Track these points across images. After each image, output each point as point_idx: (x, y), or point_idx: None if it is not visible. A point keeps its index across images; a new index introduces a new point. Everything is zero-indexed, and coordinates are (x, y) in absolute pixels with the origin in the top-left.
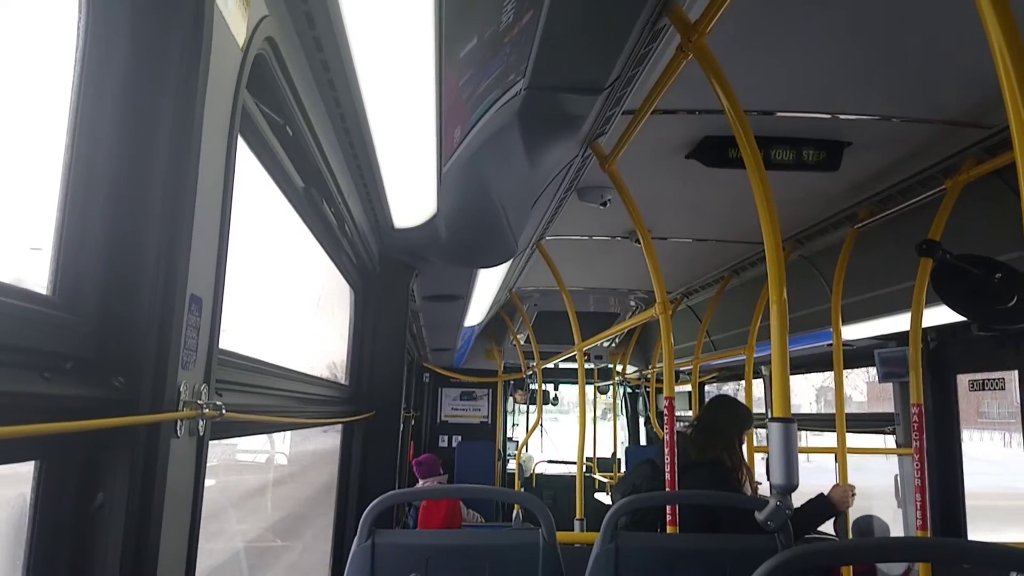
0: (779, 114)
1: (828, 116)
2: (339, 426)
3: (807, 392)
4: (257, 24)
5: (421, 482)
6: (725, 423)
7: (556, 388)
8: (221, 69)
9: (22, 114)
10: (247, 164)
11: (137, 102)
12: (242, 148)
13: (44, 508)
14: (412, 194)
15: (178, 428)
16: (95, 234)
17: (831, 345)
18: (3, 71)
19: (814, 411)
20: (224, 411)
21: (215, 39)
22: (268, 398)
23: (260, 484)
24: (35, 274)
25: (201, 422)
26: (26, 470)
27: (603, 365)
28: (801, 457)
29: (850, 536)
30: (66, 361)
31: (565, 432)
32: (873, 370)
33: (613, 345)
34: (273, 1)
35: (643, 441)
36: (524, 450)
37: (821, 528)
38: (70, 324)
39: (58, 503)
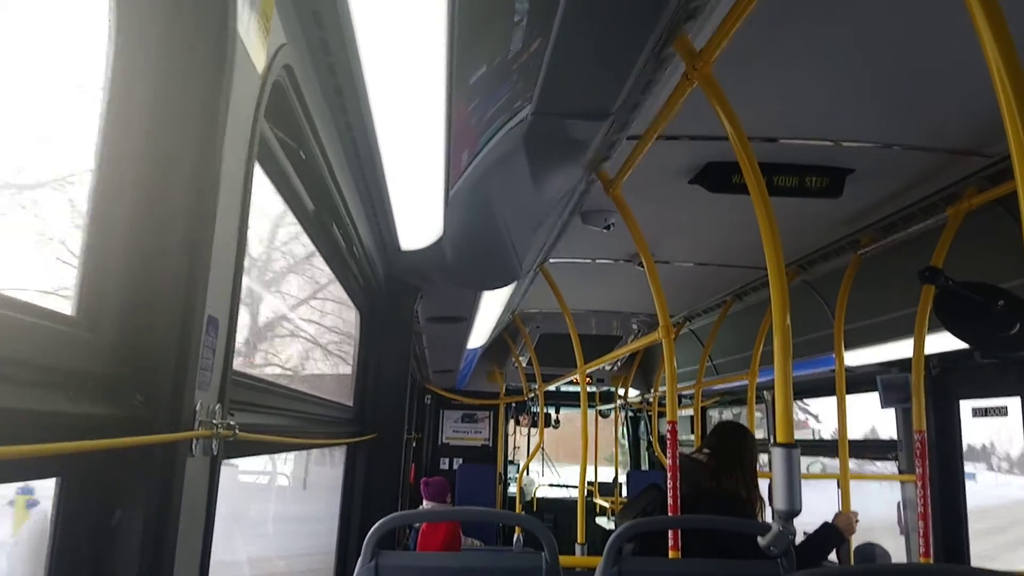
0: (782, 141)
1: (831, 143)
2: (342, 448)
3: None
4: (276, 52)
5: (425, 503)
6: (740, 452)
7: (558, 411)
8: (241, 96)
9: (47, 138)
10: (260, 186)
11: (160, 128)
12: (257, 171)
13: (64, 524)
14: (419, 216)
15: (193, 447)
16: (118, 256)
17: (834, 371)
18: (35, 99)
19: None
20: (237, 431)
21: (236, 68)
22: (277, 418)
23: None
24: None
25: (215, 441)
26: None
27: (605, 388)
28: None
29: (852, 563)
30: (87, 380)
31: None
32: None
33: (615, 368)
34: (291, 29)
35: (644, 466)
36: (525, 474)
37: None
38: (92, 343)
39: (78, 520)
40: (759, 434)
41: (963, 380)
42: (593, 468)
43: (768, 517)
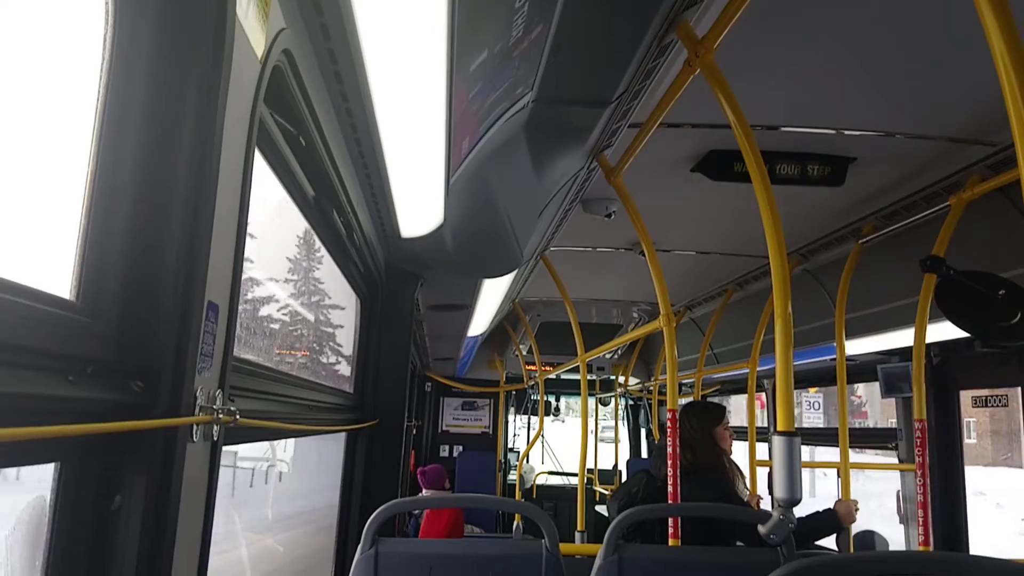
0: (784, 129)
1: (833, 131)
2: (343, 434)
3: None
4: (275, 37)
5: (424, 491)
6: (690, 431)
7: (558, 399)
8: (240, 81)
9: (46, 124)
10: (261, 172)
11: (159, 113)
12: (257, 157)
13: (63, 509)
14: (419, 204)
15: (194, 433)
16: (117, 241)
17: (834, 360)
18: (34, 82)
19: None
20: (238, 416)
21: (236, 52)
22: (277, 404)
23: None
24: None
25: (215, 427)
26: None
27: (605, 376)
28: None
29: (852, 551)
30: (87, 365)
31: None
32: None
33: (615, 357)
34: (290, 14)
35: (644, 453)
36: (525, 461)
37: (821, 542)
38: (92, 328)
39: (77, 505)
40: (760, 423)
41: (964, 369)
42: (593, 455)
43: (742, 487)
